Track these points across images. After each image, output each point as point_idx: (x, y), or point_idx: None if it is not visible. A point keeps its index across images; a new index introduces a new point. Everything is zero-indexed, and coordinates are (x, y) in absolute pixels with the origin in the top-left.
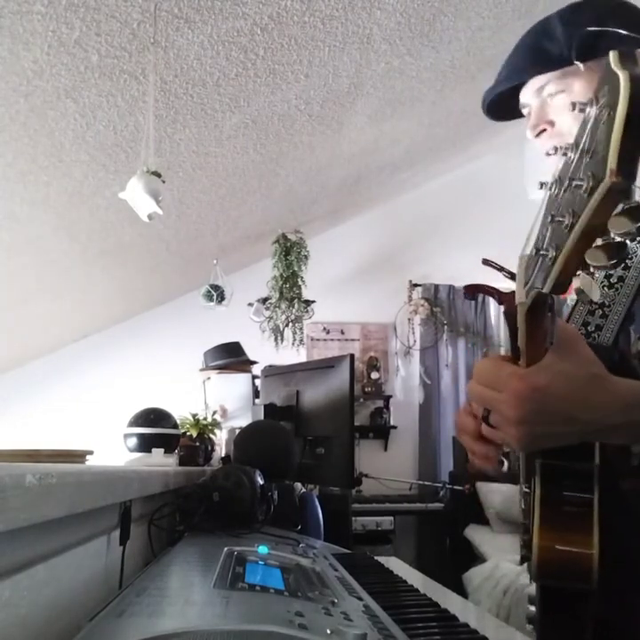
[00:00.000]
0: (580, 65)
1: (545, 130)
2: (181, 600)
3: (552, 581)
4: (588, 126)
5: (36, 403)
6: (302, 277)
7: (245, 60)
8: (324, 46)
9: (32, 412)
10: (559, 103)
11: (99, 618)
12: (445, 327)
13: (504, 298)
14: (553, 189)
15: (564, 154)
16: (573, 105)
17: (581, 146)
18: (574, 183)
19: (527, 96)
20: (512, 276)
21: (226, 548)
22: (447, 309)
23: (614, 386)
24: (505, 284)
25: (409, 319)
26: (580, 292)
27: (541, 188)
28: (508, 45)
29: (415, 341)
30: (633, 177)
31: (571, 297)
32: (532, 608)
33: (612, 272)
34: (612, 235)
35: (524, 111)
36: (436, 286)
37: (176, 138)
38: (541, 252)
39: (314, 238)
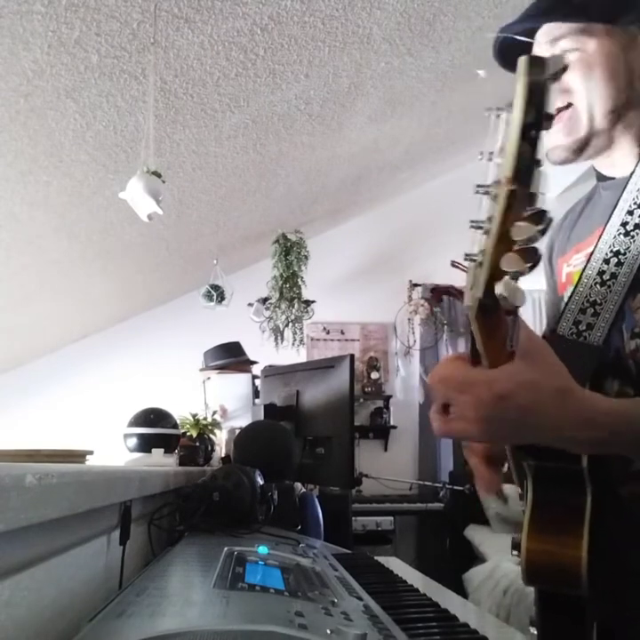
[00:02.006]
0: (601, 26)
1: None
2: (181, 600)
3: (541, 585)
4: (505, 130)
5: (36, 403)
6: (302, 277)
7: (245, 60)
8: (324, 46)
9: (32, 412)
10: (571, 60)
11: (99, 618)
12: (445, 327)
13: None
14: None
15: (489, 159)
16: (488, 110)
17: (501, 150)
18: (490, 189)
19: (540, 45)
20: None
21: (226, 548)
22: (447, 309)
23: (579, 402)
24: None
25: (409, 319)
26: (502, 298)
27: (476, 192)
28: None
29: (415, 341)
30: (529, 182)
31: (566, 294)
32: (535, 609)
33: (605, 268)
34: (520, 241)
35: None
36: (436, 286)
37: (176, 138)
38: (472, 257)
39: (314, 238)
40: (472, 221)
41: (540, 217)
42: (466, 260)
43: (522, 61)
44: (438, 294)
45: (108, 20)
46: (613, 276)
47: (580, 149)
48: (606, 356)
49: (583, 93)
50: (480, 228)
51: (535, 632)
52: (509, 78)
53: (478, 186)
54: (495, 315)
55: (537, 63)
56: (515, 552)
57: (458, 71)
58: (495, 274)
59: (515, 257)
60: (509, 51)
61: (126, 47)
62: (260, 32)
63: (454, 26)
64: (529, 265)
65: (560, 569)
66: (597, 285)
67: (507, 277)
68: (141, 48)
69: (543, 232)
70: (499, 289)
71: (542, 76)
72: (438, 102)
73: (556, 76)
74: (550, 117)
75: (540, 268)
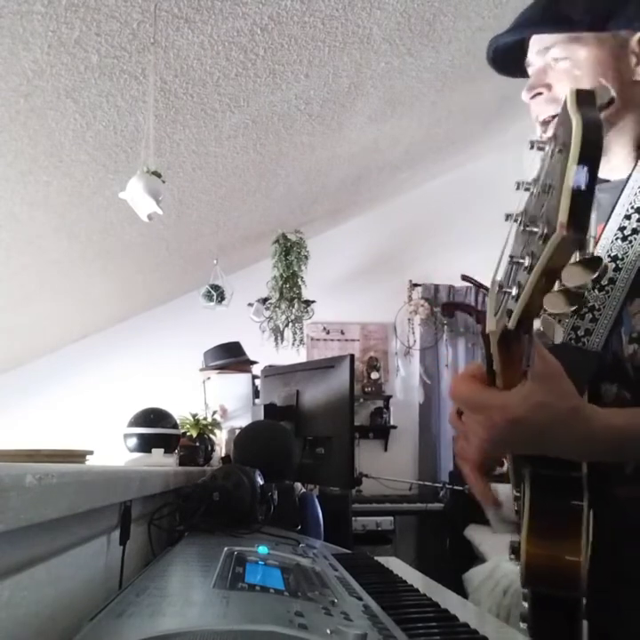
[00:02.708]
0: (590, 34)
1: (541, 93)
2: (181, 600)
3: (540, 588)
4: (547, 164)
5: (36, 403)
6: (302, 277)
7: (245, 60)
8: (323, 46)
9: (32, 412)
10: (561, 69)
11: (99, 618)
12: (445, 327)
13: (482, 318)
14: (518, 223)
15: (526, 189)
16: (531, 144)
17: (541, 182)
18: (531, 228)
19: (532, 53)
20: (479, 286)
21: (226, 548)
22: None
23: (587, 420)
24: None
25: (409, 319)
26: (541, 334)
27: (507, 219)
28: None
29: (415, 341)
30: (584, 229)
31: None
32: (526, 604)
33: (602, 273)
34: (569, 287)
35: (529, 70)
36: (436, 286)
37: (176, 138)
38: (505, 289)
39: (314, 238)
40: (511, 256)
41: (595, 264)
42: (500, 291)
43: (571, 96)
44: (451, 309)
45: (108, 19)
46: (611, 281)
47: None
48: (604, 359)
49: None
50: (519, 263)
51: (525, 626)
52: (510, 79)
53: (526, 217)
54: (516, 340)
55: (587, 99)
56: (513, 556)
57: (458, 71)
58: (533, 310)
59: (560, 297)
60: (503, 59)
61: (126, 47)
62: (260, 32)
63: (454, 26)
64: (574, 308)
65: (559, 573)
66: (595, 290)
67: (546, 315)
68: (141, 48)
69: (597, 280)
70: (537, 325)
71: (595, 116)
72: (438, 102)
73: (602, 108)
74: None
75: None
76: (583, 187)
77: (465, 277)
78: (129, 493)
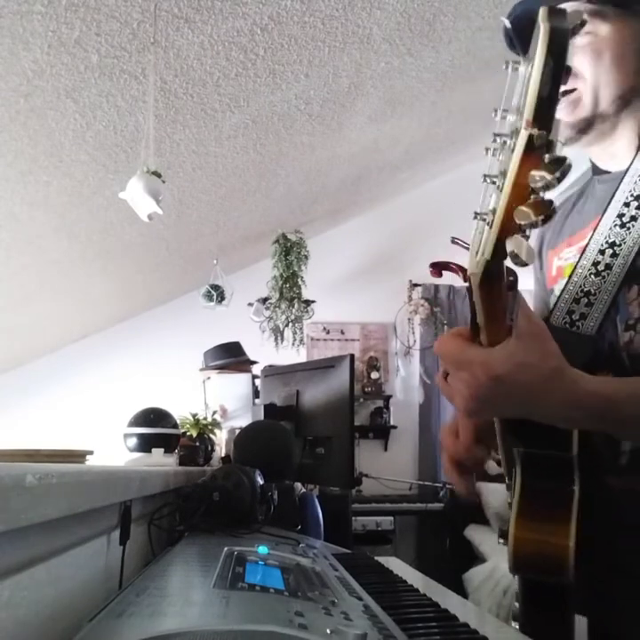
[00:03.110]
0: (614, 10)
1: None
2: (181, 600)
3: (527, 573)
4: (521, 87)
5: (36, 402)
6: (302, 277)
7: (245, 60)
8: (323, 46)
9: (32, 412)
10: (581, 43)
11: (99, 618)
12: (445, 327)
13: (467, 275)
14: (494, 154)
15: (503, 117)
16: (505, 62)
17: (516, 105)
18: (504, 141)
19: None
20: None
21: (226, 548)
22: (447, 309)
23: (570, 383)
24: None
25: (409, 319)
26: (513, 256)
27: (486, 153)
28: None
29: (415, 341)
30: (549, 126)
31: (557, 286)
32: (517, 605)
33: (599, 259)
34: (536, 189)
35: None
36: (436, 286)
37: (176, 138)
38: (481, 217)
39: (314, 238)
40: (485, 175)
41: (558, 164)
42: (475, 218)
43: (543, 11)
44: (438, 271)
45: (108, 19)
46: (608, 266)
47: (584, 130)
48: (600, 347)
49: (591, 77)
50: (493, 182)
51: (516, 625)
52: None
53: (495, 134)
54: (498, 285)
55: (558, 13)
56: (502, 540)
57: (458, 71)
58: (506, 229)
59: (528, 210)
60: (522, 30)
61: (126, 47)
62: (260, 32)
63: (454, 26)
64: (542, 217)
65: (547, 557)
66: (592, 276)
67: (517, 235)
68: (141, 48)
69: (560, 180)
70: (510, 246)
71: (563, 24)
72: (438, 102)
73: (575, 29)
74: (568, 70)
75: (529, 267)
76: (547, 84)
77: (454, 240)
78: (129, 493)
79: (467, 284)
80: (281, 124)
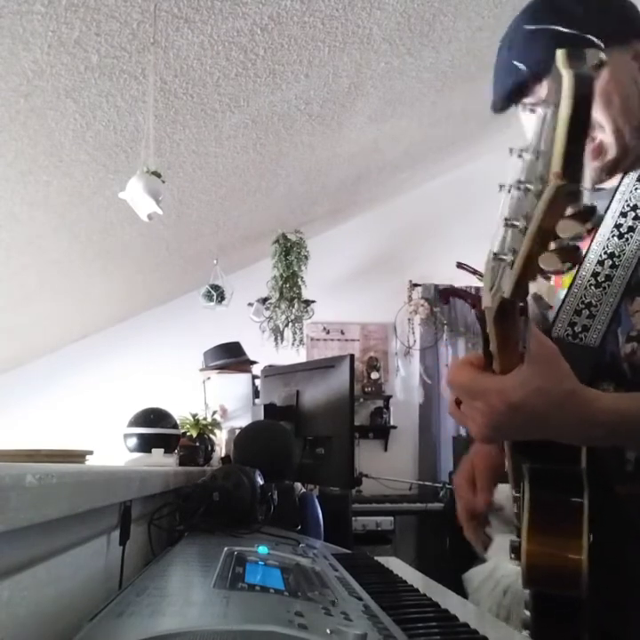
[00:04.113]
0: (603, 55)
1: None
2: (181, 600)
3: (541, 587)
4: (541, 127)
5: (36, 402)
6: (302, 277)
7: (245, 60)
8: (323, 46)
9: (32, 412)
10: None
11: (99, 618)
12: (445, 327)
13: (475, 301)
14: (511, 192)
15: (520, 156)
16: (522, 105)
17: (534, 147)
18: (527, 186)
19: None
20: (474, 272)
21: (226, 548)
22: (447, 309)
23: (584, 403)
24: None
25: (409, 319)
26: (537, 298)
27: (500, 190)
28: None
29: (415, 341)
30: (579, 178)
31: (557, 297)
32: (528, 613)
33: (599, 270)
34: (564, 238)
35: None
36: (436, 286)
37: (176, 138)
38: (500, 256)
39: (314, 238)
40: (505, 219)
41: (588, 214)
42: (495, 259)
43: (561, 54)
44: (446, 296)
45: (108, 20)
46: (608, 277)
47: (612, 170)
48: (602, 358)
49: (610, 125)
50: (514, 225)
51: (526, 633)
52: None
53: (518, 182)
54: (512, 317)
55: (577, 57)
56: (513, 556)
57: (458, 71)
58: (529, 273)
59: (554, 256)
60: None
61: (126, 47)
62: (260, 32)
63: (454, 26)
64: (568, 265)
65: (560, 571)
66: (592, 287)
67: (540, 277)
68: (141, 48)
69: (590, 231)
70: (533, 288)
71: (585, 69)
72: (438, 102)
73: (596, 69)
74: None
75: None
76: (576, 136)
77: (460, 265)
78: (129, 493)
79: (476, 313)
80: (281, 124)
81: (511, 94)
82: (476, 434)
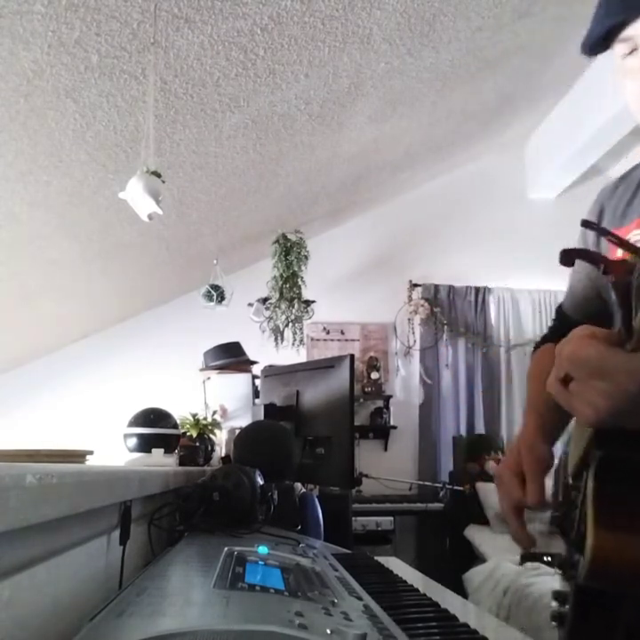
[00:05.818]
0: None
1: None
2: (181, 600)
3: (606, 583)
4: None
5: (36, 403)
6: (302, 277)
7: (245, 60)
8: (323, 46)
9: (32, 412)
10: None
11: (99, 618)
12: (445, 327)
13: (612, 266)
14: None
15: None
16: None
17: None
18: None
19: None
20: (620, 243)
21: (226, 548)
22: (447, 309)
23: None
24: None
25: (409, 319)
26: None
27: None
28: (508, 45)
29: (415, 341)
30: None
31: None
32: (555, 604)
33: None
34: None
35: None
36: (436, 286)
37: (176, 138)
38: None
39: (314, 238)
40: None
41: None
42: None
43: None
44: (571, 257)
45: (108, 20)
46: None
47: None
48: None
49: None
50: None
51: (555, 625)
52: (510, 78)
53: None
54: None
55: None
56: (566, 541)
57: (458, 71)
58: None
59: None
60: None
61: (126, 47)
62: (260, 32)
63: (454, 26)
64: None
65: (627, 567)
66: None
67: None
68: (141, 48)
69: None
70: None
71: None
72: (438, 102)
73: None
74: None
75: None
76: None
77: (586, 223)
78: (129, 493)
79: (610, 277)
80: (281, 123)
81: (610, 34)
82: (589, 418)
